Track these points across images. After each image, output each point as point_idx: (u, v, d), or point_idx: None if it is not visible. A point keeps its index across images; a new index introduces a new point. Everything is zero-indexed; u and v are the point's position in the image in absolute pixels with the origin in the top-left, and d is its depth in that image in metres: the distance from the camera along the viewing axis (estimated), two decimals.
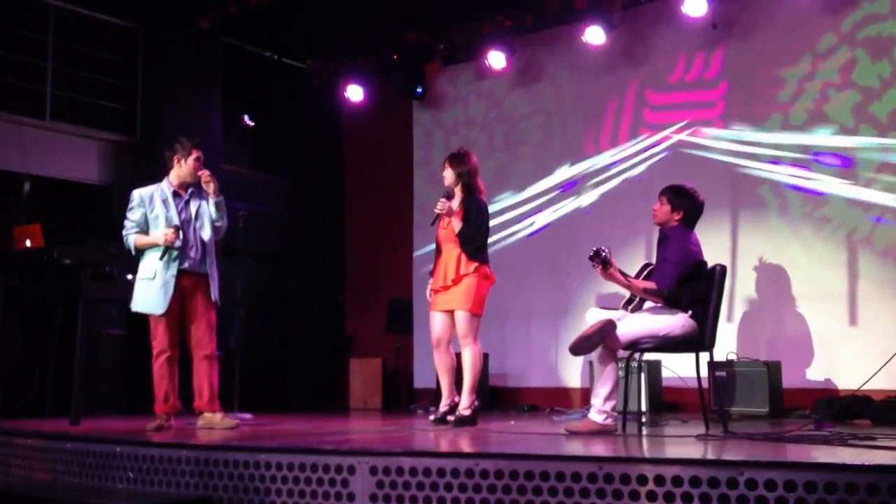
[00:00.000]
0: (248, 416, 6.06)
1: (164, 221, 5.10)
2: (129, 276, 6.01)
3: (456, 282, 5.26)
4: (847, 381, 6.21)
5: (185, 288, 5.13)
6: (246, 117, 8.75)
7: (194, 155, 5.24)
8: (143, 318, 7.19)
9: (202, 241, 5.24)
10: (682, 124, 7.42)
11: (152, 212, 5.13)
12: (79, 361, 5.43)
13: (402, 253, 8.83)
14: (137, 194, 5.18)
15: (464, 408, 5.23)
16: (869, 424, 5.26)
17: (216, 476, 3.74)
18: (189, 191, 5.26)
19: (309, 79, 8.93)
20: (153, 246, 5.09)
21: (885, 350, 4.91)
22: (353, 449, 3.55)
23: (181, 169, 5.23)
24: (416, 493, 3.33)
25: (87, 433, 4.63)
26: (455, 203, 5.34)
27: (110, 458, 4.10)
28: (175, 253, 5.07)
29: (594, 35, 7.50)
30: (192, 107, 7.99)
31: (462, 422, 5.16)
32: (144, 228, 5.15)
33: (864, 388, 4.89)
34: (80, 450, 4.25)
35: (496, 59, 8.08)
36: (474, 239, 5.26)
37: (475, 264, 5.24)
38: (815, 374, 6.57)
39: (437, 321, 5.38)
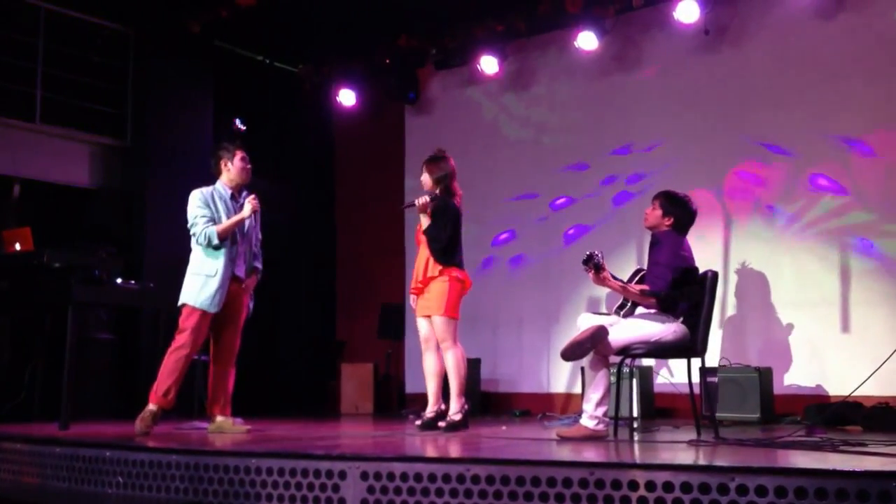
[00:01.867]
0: (239, 420, 6.01)
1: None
2: (119, 281, 6.00)
3: (424, 283, 5.29)
4: (838, 387, 6.22)
5: (231, 293, 5.17)
6: (237, 121, 8.72)
7: (239, 155, 5.31)
8: (135, 323, 7.25)
9: (250, 251, 5.33)
10: (674, 129, 7.44)
11: (216, 211, 5.18)
12: (68, 365, 5.39)
13: (394, 258, 8.82)
14: (200, 193, 5.20)
15: (454, 412, 5.23)
16: (860, 430, 5.28)
17: (206, 481, 3.72)
18: (243, 194, 5.33)
19: (301, 83, 8.92)
20: (237, 225, 5.14)
21: (876, 356, 4.91)
22: (344, 454, 3.54)
23: (230, 172, 5.30)
24: (406, 498, 3.31)
25: (77, 438, 4.60)
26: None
27: (99, 462, 4.07)
28: (235, 249, 5.15)
29: (586, 40, 7.52)
30: (183, 110, 7.98)
31: (454, 427, 5.16)
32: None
33: (855, 394, 4.90)
34: (69, 454, 4.22)
35: (488, 64, 8.09)
36: (438, 238, 5.26)
37: (440, 267, 5.25)
38: (807, 380, 6.58)
39: (421, 324, 5.42)
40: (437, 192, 5.40)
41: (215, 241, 5.08)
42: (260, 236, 5.49)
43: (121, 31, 7.93)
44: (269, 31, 8.45)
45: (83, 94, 7.66)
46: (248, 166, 5.34)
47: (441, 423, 5.23)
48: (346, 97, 8.83)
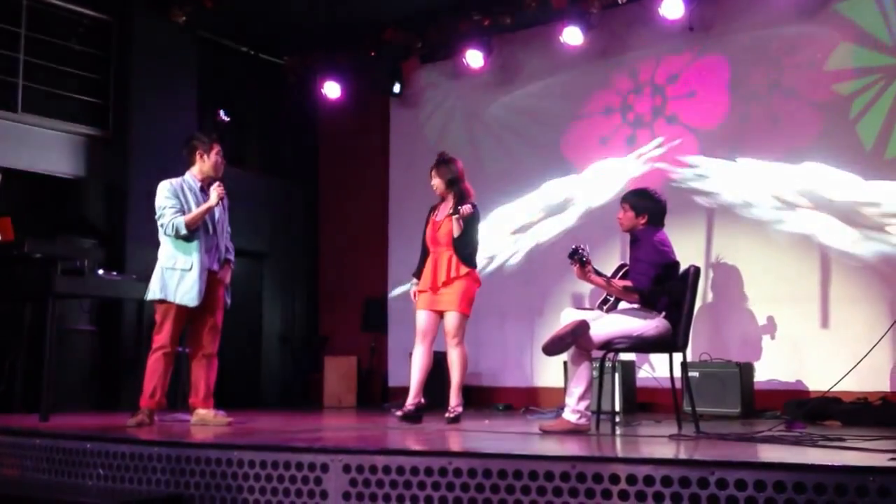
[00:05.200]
0: (222, 413, 6.00)
1: None
2: (100, 272, 5.96)
3: (447, 284, 5.32)
4: (818, 382, 6.28)
5: (207, 286, 5.13)
6: (221, 112, 8.67)
7: (216, 149, 5.25)
8: (116, 314, 7.20)
9: (221, 243, 5.28)
10: (657, 126, 7.47)
11: (186, 202, 5.13)
12: (48, 357, 5.36)
13: (378, 251, 8.80)
14: (168, 184, 5.15)
15: (456, 405, 5.36)
16: (839, 425, 5.32)
17: (188, 473, 3.71)
18: (212, 187, 5.26)
19: (285, 74, 8.88)
20: (205, 214, 5.09)
21: (855, 352, 4.96)
22: (327, 447, 3.53)
23: (204, 164, 5.24)
24: (389, 491, 3.31)
25: (57, 429, 4.57)
26: (450, 208, 5.38)
27: (80, 454, 4.05)
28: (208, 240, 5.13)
29: (572, 35, 7.52)
30: (166, 101, 7.91)
31: (457, 419, 5.31)
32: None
33: (835, 389, 4.95)
34: (49, 446, 4.19)
35: (474, 58, 8.08)
36: (470, 244, 5.36)
37: (468, 269, 5.33)
38: (787, 375, 6.64)
39: (424, 317, 5.43)
40: (452, 195, 5.42)
41: (184, 231, 5.03)
42: (229, 228, 5.43)
43: (103, 20, 7.86)
44: (253, 22, 8.40)
45: (65, 83, 7.59)
46: (222, 160, 5.28)
47: (448, 415, 5.33)
48: (331, 89, 8.79)
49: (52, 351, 5.38)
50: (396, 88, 8.75)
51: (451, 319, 5.32)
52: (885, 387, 6.07)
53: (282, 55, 8.95)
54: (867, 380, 5.68)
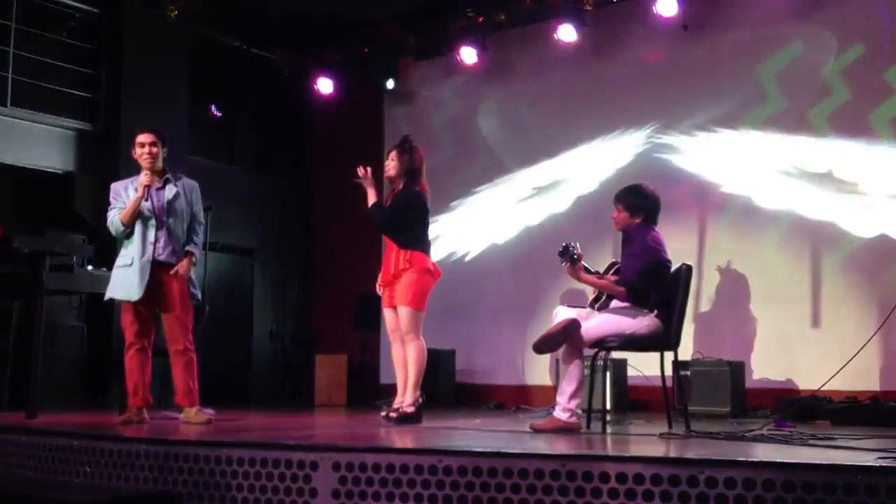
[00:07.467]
0: (209, 410, 5.98)
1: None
2: (90, 268, 5.92)
3: (396, 276, 5.23)
4: (808, 381, 6.28)
5: (158, 280, 5.07)
6: (213, 108, 8.64)
7: (136, 141, 5.18)
8: (106, 311, 7.15)
9: (175, 234, 5.16)
10: (651, 124, 7.47)
11: (128, 200, 5.10)
12: (36, 353, 5.32)
13: (371, 248, 8.73)
14: (114, 184, 5.21)
15: (407, 405, 5.11)
16: (828, 424, 5.33)
17: (176, 471, 3.69)
18: (164, 178, 5.20)
19: (279, 70, 8.85)
20: (134, 209, 5.03)
21: (845, 352, 4.98)
22: (316, 444, 3.52)
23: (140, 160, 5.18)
24: (378, 489, 3.30)
25: (44, 426, 4.55)
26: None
27: (67, 451, 4.03)
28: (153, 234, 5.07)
29: (566, 33, 7.52)
30: (158, 96, 7.87)
31: (405, 419, 5.02)
32: None
33: (825, 388, 4.96)
34: (35, 443, 4.18)
35: (468, 55, 8.07)
36: (393, 222, 5.19)
37: (409, 255, 5.14)
38: (777, 374, 6.65)
39: (389, 315, 5.36)
40: (403, 183, 5.29)
41: (120, 228, 5.05)
42: (201, 219, 5.34)
43: (94, 14, 7.82)
44: (246, 16, 8.37)
45: (56, 78, 7.55)
46: (146, 150, 5.13)
47: (392, 414, 5.10)
48: (325, 85, 8.77)
49: (40, 347, 5.35)
50: (390, 85, 8.73)
51: (402, 314, 5.16)
52: (874, 386, 6.09)
53: (275, 50, 8.92)
54: (857, 379, 5.69)
